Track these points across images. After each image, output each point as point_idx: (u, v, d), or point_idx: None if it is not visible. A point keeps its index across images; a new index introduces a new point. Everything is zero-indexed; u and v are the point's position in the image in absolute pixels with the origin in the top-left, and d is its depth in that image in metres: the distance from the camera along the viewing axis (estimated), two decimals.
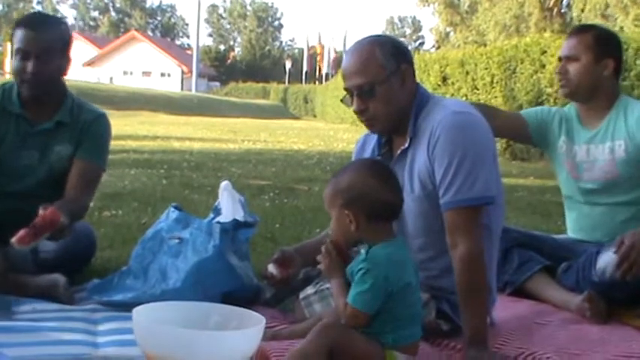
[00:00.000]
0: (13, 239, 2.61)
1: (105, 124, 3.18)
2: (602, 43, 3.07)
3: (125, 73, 56.19)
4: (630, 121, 3.02)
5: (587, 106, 3.12)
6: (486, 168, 2.30)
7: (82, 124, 3.10)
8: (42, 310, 2.58)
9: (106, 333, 2.38)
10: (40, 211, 2.61)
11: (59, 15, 73.46)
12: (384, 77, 2.34)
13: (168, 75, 57.08)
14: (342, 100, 2.46)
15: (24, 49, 2.96)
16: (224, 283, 2.65)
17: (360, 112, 2.39)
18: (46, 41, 2.97)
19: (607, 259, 2.77)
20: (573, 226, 3.25)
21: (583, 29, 3.18)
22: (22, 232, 2.62)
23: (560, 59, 3.12)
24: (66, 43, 3.08)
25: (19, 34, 2.97)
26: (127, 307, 2.45)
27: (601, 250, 2.85)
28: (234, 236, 2.81)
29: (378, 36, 2.50)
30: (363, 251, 2.07)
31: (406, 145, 2.41)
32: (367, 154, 2.56)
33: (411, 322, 2.08)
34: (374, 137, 2.55)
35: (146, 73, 56.83)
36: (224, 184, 3.02)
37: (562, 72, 3.09)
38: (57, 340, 2.25)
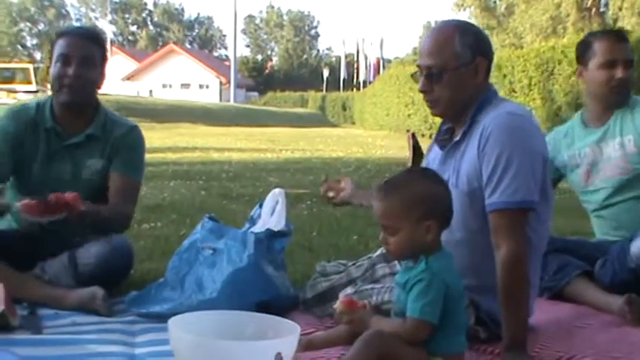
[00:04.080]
0: (21, 203, 2.67)
1: (138, 136, 3.23)
2: None
3: (164, 85, 56.69)
4: (638, 118, 3.06)
5: (603, 105, 3.15)
6: (533, 174, 2.27)
7: (114, 138, 3.14)
8: (81, 323, 2.60)
9: (144, 344, 2.40)
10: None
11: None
12: (455, 65, 2.34)
13: (207, 86, 57.46)
14: (412, 75, 2.49)
15: (66, 53, 3.03)
16: (259, 293, 2.65)
17: (424, 92, 2.42)
18: (88, 48, 3.07)
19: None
20: (599, 232, 3.28)
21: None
22: (32, 202, 2.69)
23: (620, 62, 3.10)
24: (104, 56, 3.17)
25: (62, 41, 3.06)
26: (164, 318, 2.47)
27: (633, 237, 2.85)
28: (269, 246, 2.81)
29: (465, 23, 2.51)
30: (422, 262, 2.05)
31: (457, 138, 2.41)
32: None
33: (459, 331, 2.08)
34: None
35: (185, 85, 57.29)
36: (277, 191, 3.04)
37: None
38: (95, 353, 2.27)
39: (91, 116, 3.15)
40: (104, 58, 3.16)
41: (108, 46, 3.24)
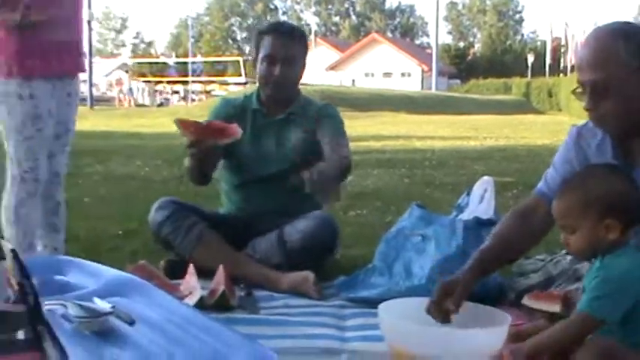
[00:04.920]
0: (177, 119, 2.85)
1: (334, 109, 3.42)
2: None
3: (366, 74, 57.32)
4: None
5: None
6: None
7: (312, 112, 3.33)
8: (293, 306, 2.71)
9: (354, 328, 2.45)
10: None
11: (303, 22, 76.55)
12: (624, 76, 2.05)
13: (409, 75, 57.52)
14: (573, 92, 2.21)
15: (271, 54, 3.21)
16: None
17: (588, 110, 2.16)
18: (292, 48, 3.24)
19: None
20: None
21: None
22: (191, 121, 2.91)
23: None
24: (306, 51, 3.35)
25: (267, 41, 3.23)
26: (372, 303, 2.52)
27: None
28: (477, 234, 2.79)
29: (626, 24, 2.17)
30: (597, 260, 1.98)
31: None
32: (590, 152, 2.28)
33: None
34: (596, 134, 2.27)
35: (387, 74, 57.63)
36: (486, 178, 3.02)
37: None
38: (308, 334, 2.35)
39: (291, 101, 3.35)
40: (305, 54, 3.34)
41: (312, 37, 3.40)
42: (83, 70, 3.25)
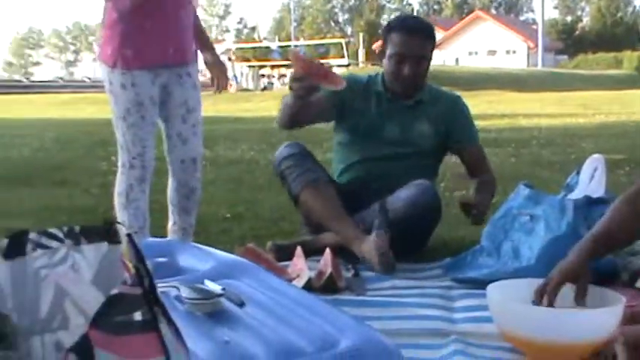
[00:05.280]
0: (293, 51, 2.91)
1: (464, 104, 3.47)
2: None
3: (470, 53, 56.47)
4: None
5: None
6: None
7: (441, 106, 3.36)
8: (400, 287, 2.71)
9: (462, 310, 2.43)
10: None
11: (405, 1, 75.87)
12: None
13: (514, 52, 56.35)
14: None
15: (401, 53, 3.23)
16: None
17: None
18: (423, 47, 3.27)
19: None
20: None
21: None
22: (303, 56, 3.01)
23: None
24: (434, 47, 3.34)
25: (397, 37, 3.24)
26: (480, 284, 2.49)
27: None
28: (587, 213, 2.72)
29: None
30: None
31: None
32: None
33: None
34: None
35: (491, 52, 56.64)
36: (596, 156, 2.95)
37: None
38: (417, 315, 2.35)
39: (419, 88, 3.35)
40: (433, 48, 3.35)
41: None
42: (189, 59, 3.24)
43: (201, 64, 3.43)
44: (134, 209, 3.16)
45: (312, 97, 3.07)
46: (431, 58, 3.33)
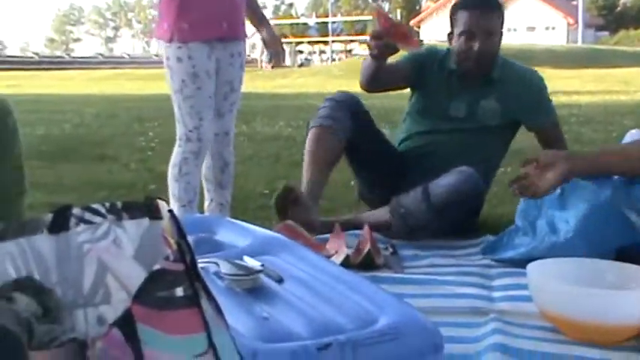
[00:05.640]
0: (377, 7, 2.95)
1: (539, 79, 3.40)
2: None
3: (509, 29, 55.53)
4: None
5: None
6: None
7: (513, 84, 3.32)
8: (438, 265, 2.70)
9: (501, 288, 2.41)
10: None
11: None
12: None
13: (553, 28, 55.61)
14: None
15: (471, 30, 3.20)
16: (618, 237, 2.49)
17: None
18: (491, 21, 3.23)
19: None
20: None
21: None
22: (386, 14, 3.02)
23: None
24: (503, 20, 3.30)
25: (465, 15, 3.22)
26: (519, 263, 2.48)
27: None
28: (629, 191, 2.67)
29: None
30: None
31: None
32: None
33: None
34: None
35: (530, 29, 55.92)
36: (634, 131, 2.90)
37: None
38: (454, 294, 2.34)
39: (492, 64, 3.33)
40: (503, 22, 3.31)
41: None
42: (241, 34, 3.31)
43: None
44: (185, 183, 3.20)
45: (395, 64, 3.14)
46: (502, 33, 3.28)
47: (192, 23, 3.13)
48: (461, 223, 3.03)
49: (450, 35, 3.32)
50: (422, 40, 3.04)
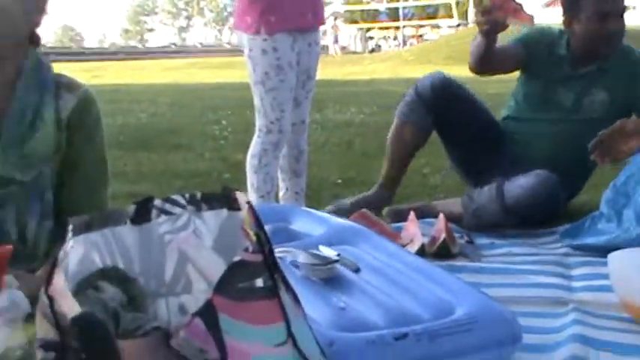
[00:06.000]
0: None
1: None
2: None
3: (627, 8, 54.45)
4: None
5: None
6: None
7: (626, 74, 3.18)
8: (516, 254, 2.66)
9: (580, 278, 2.37)
10: None
11: None
12: None
13: (633, 8, 54.13)
14: None
15: (602, 10, 3.09)
16: None
17: None
18: (622, 2, 3.17)
19: None
20: None
21: None
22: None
23: None
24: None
25: None
26: (599, 250, 2.43)
27: None
28: None
29: None
30: None
31: None
32: None
33: None
34: None
35: None
36: None
37: None
38: (532, 283, 2.30)
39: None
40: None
41: None
42: (322, 23, 3.40)
43: None
44: (264, 174, 3.24)
45: (507, 45, 3.14)
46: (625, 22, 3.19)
47: (279, 14, 3.16)
48: (534, 224, 2.95)
49: (570, 18, 3.19)
50: (533, 16, 2.91)
